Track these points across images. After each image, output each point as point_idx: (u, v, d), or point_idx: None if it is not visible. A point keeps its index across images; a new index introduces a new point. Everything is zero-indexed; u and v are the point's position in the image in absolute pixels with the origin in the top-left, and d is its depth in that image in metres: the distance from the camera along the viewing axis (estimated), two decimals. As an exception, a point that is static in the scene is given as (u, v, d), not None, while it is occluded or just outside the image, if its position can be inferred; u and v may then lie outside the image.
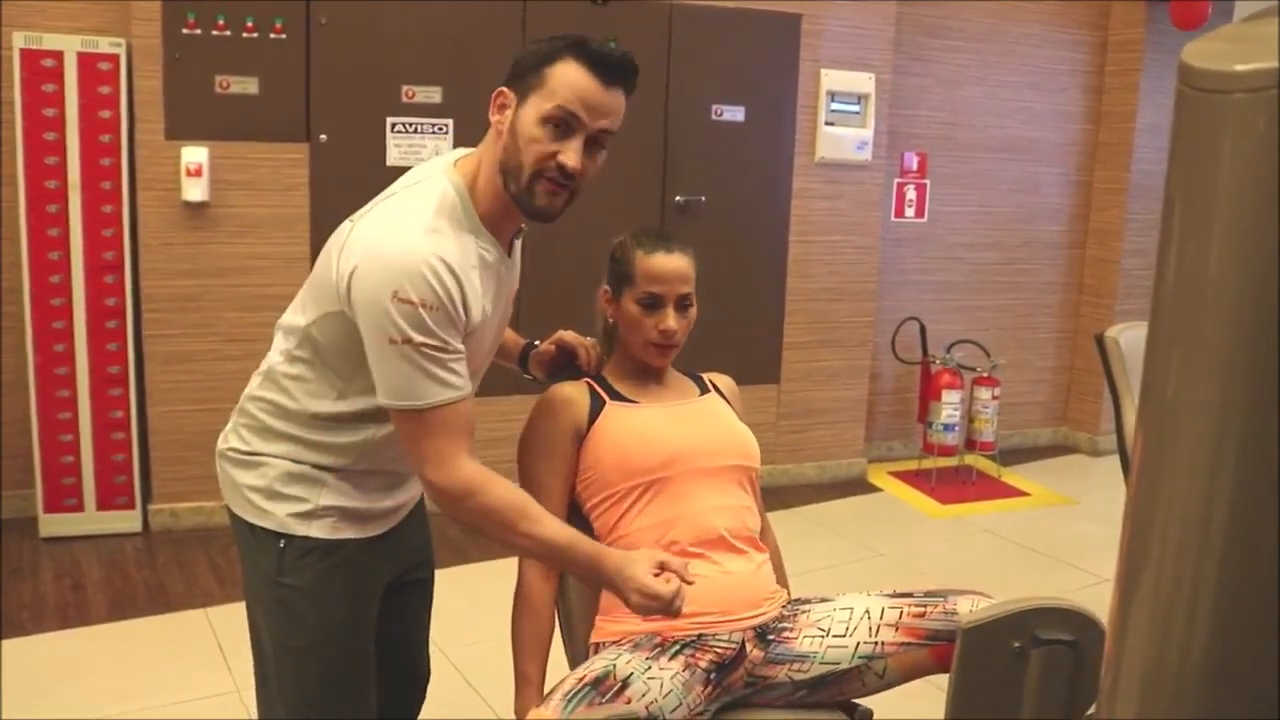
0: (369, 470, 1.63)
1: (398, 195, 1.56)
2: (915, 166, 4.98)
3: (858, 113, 4.55)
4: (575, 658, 1.86)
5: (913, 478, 4.86)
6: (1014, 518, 4.42)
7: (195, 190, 3.65)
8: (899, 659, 1.74)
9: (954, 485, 4.76)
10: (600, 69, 1.48)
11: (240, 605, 1.76)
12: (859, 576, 3.74)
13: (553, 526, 1.53)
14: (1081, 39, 5.22)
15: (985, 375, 4.84)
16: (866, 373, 4.83)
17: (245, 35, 3.64)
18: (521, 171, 1.49)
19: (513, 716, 1.78)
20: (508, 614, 1.82)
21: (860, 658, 1.74)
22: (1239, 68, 0.64)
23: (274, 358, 1.63)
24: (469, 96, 3.64)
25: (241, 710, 2.64)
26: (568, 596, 1.86)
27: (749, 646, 1.77)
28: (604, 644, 1.79)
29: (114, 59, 3.56)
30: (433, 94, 3.88)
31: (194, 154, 3.64)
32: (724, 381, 2.04)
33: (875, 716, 1.83)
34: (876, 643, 1.74)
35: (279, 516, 1.60)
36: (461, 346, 1.50)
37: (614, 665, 1.64)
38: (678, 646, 1.71)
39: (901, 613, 1.75)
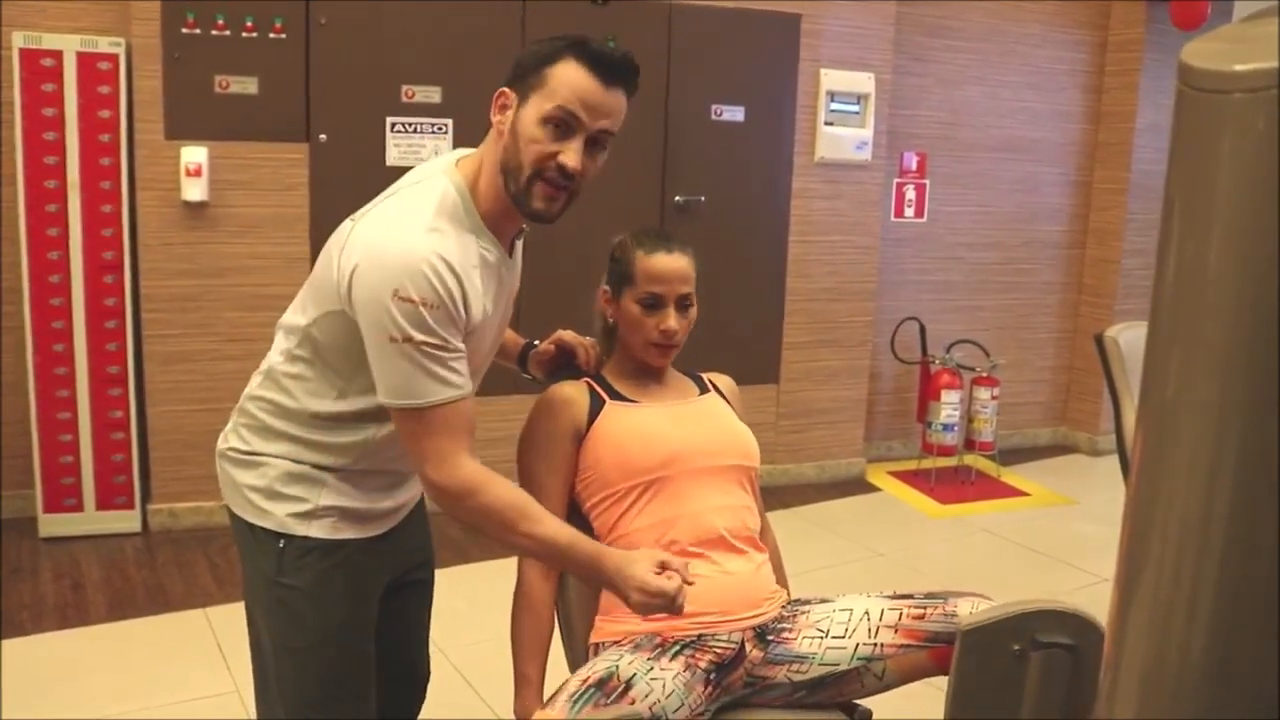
0: (369, 470, 1.63)
1: (398, 195, 1.56)
2: (915, 166, 4.98)
3: (857, 113, 4.55)
4: (575, 658, 1.86)
5: (912, 477, 4.86)
6: (1013, 517, 4.42)
7: (195, 190, 3.65)
8: (898, 661, 1.74)
9: (953, 485, 4.76)
10: (601, 69, 1.48)
11: (239, 605, 1.76)
12: (858, 576, 3.74)
13: (553, 526, 1.53)
14: (1081, 39, 5.22)
15: (985, 375, 4.84)
16: (866, 373, 4.83)
17: (245, 35, 3.64)
18: (521, 171, 1.49)
19: (512, 717, 1.78)
20: (508, 614, 1.82)
21: (859, 659, 1.74)
22: (1239, 68, 0.64)
23: (274, 357, 1.63)
24: (468, 96, 3.65)
25: (241, 710, 2.64)
26: (567, 596, 1.86)
27: (748, 647, 1.77)
28: (604, 644, 1.79)
29: (113, 59, 3.56)
30: (432, 94, 3.88)
31: (193, 154, 3.64)
32: (724, 381, 2.04)
33: (875, 717, 1.83)
34: (876, 644, 1.74)
35: (279, 516, 1.60)
36: (462, 345, 1.50)
37: (617, 666, 1.64)
38: (678, 647, 1.71)
39: (901, 614, 1.75)
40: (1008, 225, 5.24)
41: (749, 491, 1.91)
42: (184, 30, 3.59)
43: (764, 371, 4.55)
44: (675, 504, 1.80)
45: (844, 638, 1.76)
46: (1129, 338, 2.67)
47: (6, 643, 2.95)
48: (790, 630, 1.79)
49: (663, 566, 1.52)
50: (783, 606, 1.85)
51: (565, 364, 1.98)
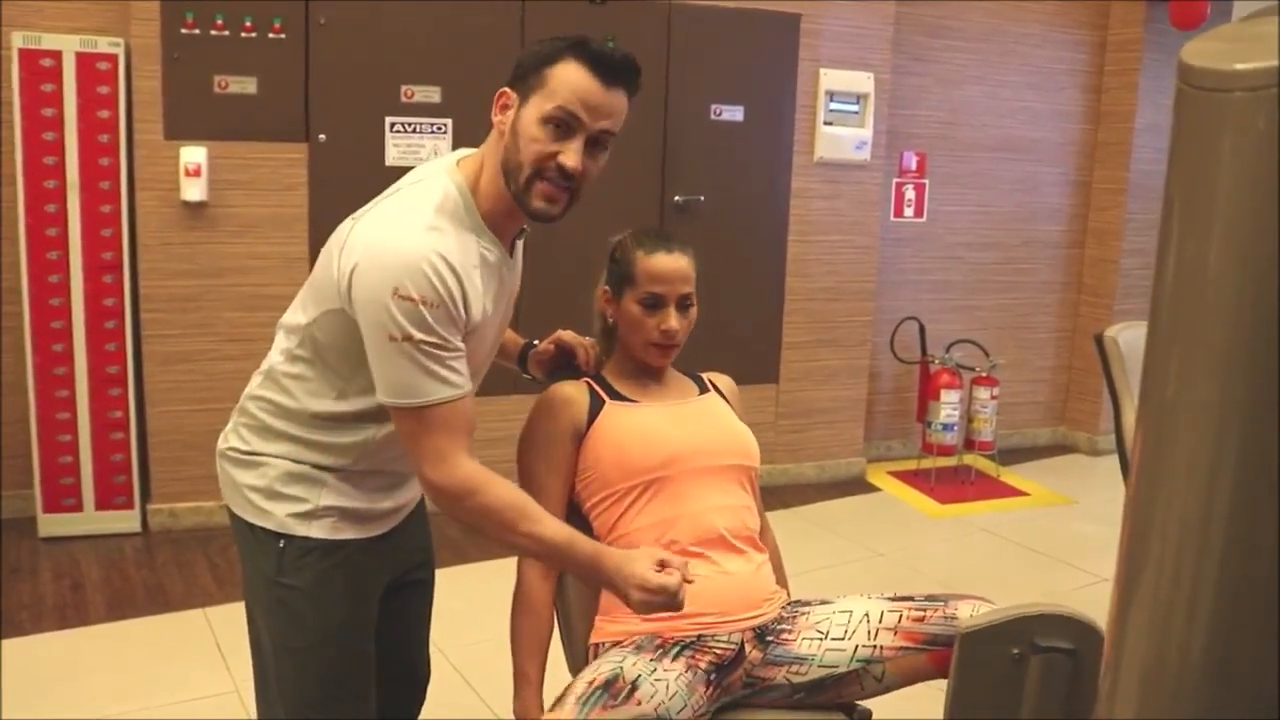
0: (369, 470, 1.63)
1: (399, 194, 1.56)
2: (914, 166, 4.98)
3: (857, 112, 4.55)
4: (574, 658, 1.86)
5: (912, 477, 4.86)
6: (1013, 517, 4.42)
7: (194, 190, 3.65)
8: (897, 663, 1.73)
9: (953, 485, 4.76)
10: (601, 69, 1.48)
11: (239, 605, 1.76)
12: (858, 576, 3.74)
13: (552, 526, 1.53)
14: (1081, 39, 5.22)
15: (984, 375, 4.84)
16: (865, 372, 4.83)
17: (244, 35, 3.64)
18: (521, 171, 1.49)
19: (512, 717, 1.78)
20: (507, 614, 1.82)
21: (858, 661, 1.74)
22: (1239, 67, 0.64)
23: (274, 357, 1.63)
24: (468, 96, 3.65)
25: (241, 710, 2.64)
26: (567, 596, 1.86)
27: (748, 647, 1.77)
28: (603, 644, 1.78)
29: (113, 59, 3.56)
30: (432, 94, 3.88)
31: (193, 154, 3.64)
32: (723, 381, 2.04)
33: (874, 718, 1.83)
34: (875, 646, 1.74)
35: (279, 516, 1.60)
36: (462, 345, 1.50)
37: (621, 668, 1.63)
38: (678, 648, 1.71)
39: (901, 616, 1.75)
40: (1007, 225, 5.24)
41: (749, 491, 1.91)
42: (183, 30, 3.58)
43: (763, 371, 4.55)
44: (675, 504, 1.80)
45: (843, 639, 1.76)
46: (1129, 338, 2.67)
47: (6, 643, 2.95)
48: (790, 631, 1.79)
49: (662, 564, 1.52)
50: (782, 607, 1.85)
51: (565, 364, 1.98)
